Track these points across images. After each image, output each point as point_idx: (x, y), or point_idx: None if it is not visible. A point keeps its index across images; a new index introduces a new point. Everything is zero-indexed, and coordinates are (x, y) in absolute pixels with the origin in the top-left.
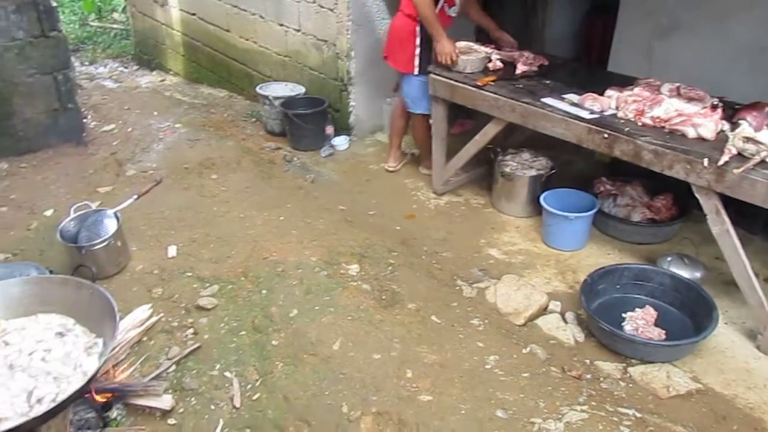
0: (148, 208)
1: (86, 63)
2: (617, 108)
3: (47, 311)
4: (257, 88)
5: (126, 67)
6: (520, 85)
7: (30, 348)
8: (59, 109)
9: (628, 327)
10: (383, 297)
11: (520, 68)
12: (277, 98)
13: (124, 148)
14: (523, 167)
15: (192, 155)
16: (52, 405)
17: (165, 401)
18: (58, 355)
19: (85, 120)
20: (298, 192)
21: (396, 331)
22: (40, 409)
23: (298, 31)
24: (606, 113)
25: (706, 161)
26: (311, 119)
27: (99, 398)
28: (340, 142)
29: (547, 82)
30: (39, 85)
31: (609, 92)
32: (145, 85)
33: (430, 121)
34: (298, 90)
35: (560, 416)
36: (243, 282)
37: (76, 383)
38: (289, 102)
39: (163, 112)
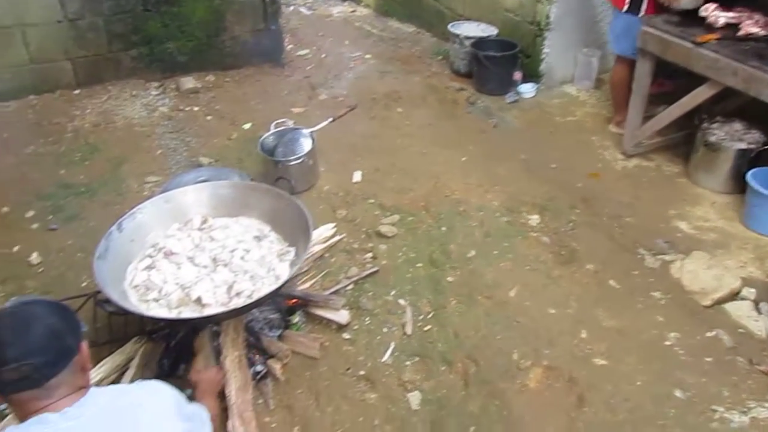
0: (337, 133)
1: None
2: None
3: (248, 215)
4: (449, 26)
5: None
6: (746, 47)
7: (232, 246)
8: (263, 30)
9: None
10: (562, 252)
11: (747, 29)
12: (467, 38)
13: (317, 72)
14: (731, 138)
15: (380, 87)
16: (249, 301)
17: (342, 316)
18: (255, 256)
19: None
20: (479, 135)
21: (573, 289)
22: (238, 302)
23: None
24: None
25: None
26: (500, 63)
27: (287, 302)
28: (527, 89)
29: None
30: (249, 4)
31: None
32: (336, 14)
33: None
34: (490, 31)
35: (746, 410)
36: (423, 216)
37: (270, 285)
38: (479, 43)
39: (354, 42)
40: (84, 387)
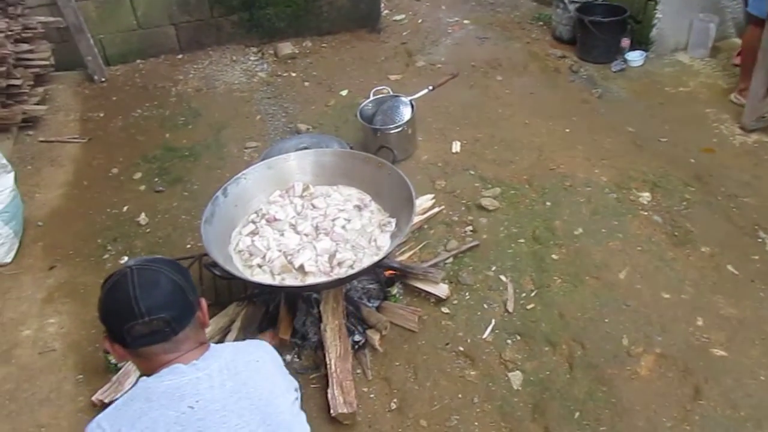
0: (435, 101)
1: None
2: None
3: (348, 184)
4: None
5: None
6: None
7: (333, 215)
8: None
9: None
10: (675, 233)
11: None
12: (572, 2)
13: (413, 39)
14: None
15: (479, 53)
16: (351, 271)
17: (442, 289)
18: (356, 226)
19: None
20: (583, 106)
21: (688, 273)
22: (340, 272)
23: None
24: None
25: None
26: (607, 29)
27: (386, 273)
28: (635, 57)
29: None
30: None
31: None
32: None
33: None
34: None
35: None
36: (527, 189)
37: (371, 256)
38: (585, 7)
39: (451, 7)
40: (204, 343)
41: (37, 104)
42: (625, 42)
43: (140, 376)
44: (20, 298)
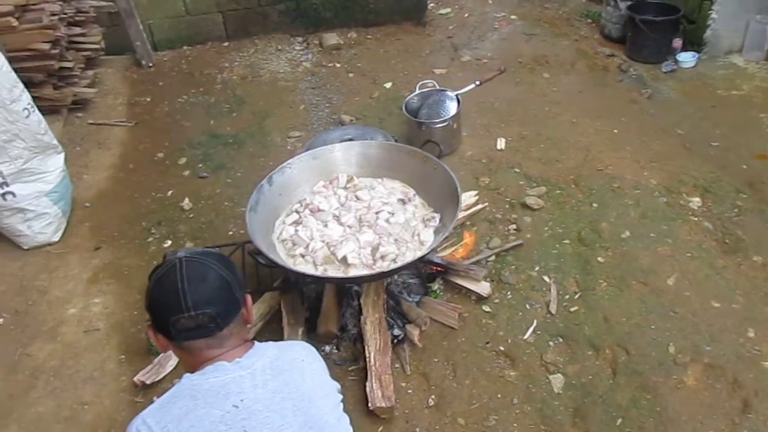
0: (480, 97)
1: None
2: None
3: (392, 177)
4: None
5: None
6: None
7: (377, 207)
8: None
9: None
10: (726, 241)
11: None
12: (624, 0)
13: (459, 33)
14: None
15: (526, 50)
16: (393, 265)
17: (483, 287)
18: (400, 219)
19: None
20: (632, 106)
21: (739, 283)
22: (382, 266)
23: None
24: None
25: None
26: (659, 28)
27: (427, 269)
28: (687, 58)
29: None
30: None
31: None
32: None
33: None
34: None
35: None
36: (573, 190)
37: (414, 250)
38: (636, 6)
39: (498, 2)
40: (248, 340)
41: (87, 87)
42: (677, 42)
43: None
44: (67, 276)
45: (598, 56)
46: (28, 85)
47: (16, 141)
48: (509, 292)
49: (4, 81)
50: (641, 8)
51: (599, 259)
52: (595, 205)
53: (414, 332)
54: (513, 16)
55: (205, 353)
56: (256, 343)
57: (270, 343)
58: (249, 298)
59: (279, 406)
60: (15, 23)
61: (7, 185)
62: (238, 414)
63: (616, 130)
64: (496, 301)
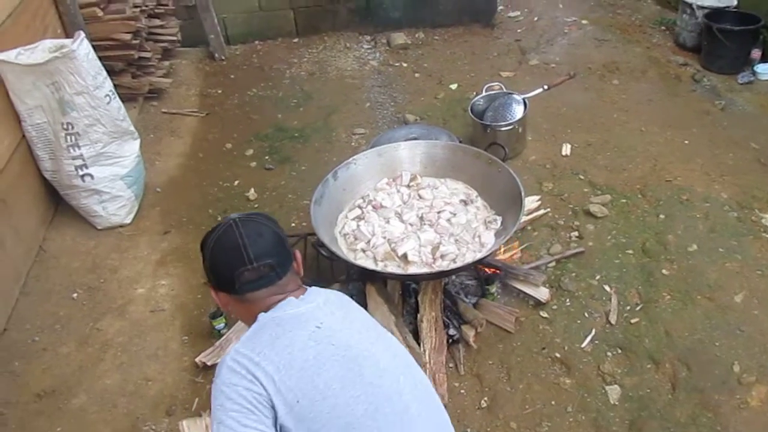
0: (547, 101)
1: None
2: None
3: (456, 178)
4: None
5: None
6: None
7: (439, 207)
8: None
9: None
10: None
11: None
12: (701, 8)
13: (528, 36)
14: None
15: (596, 56)
16: (453, 265)
17: (542, 293)
18: (461, 220)
19: None
20: (704, 117)
21: None
22: (442, 265)
23: None
24: None
25: None
26: (737, 38)
27: (486, 271)
28: (765, 70)
29: None
30: None
31: None
32: None
33: None
34: (727, 2)
35: None
36: (639, 200)
37: (474, 252)
38: (714, 14)
39: (569, 6)
40: (301, 286)
41: (163, 77)
42: (756, 53)
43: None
44: (136, 258)
45: (671, 65)
46: (109, 73)
47: (97, 126)
48: (568, 300)
49: (90, 68)
50: (719, 17)
51: (663, 271)
52: (661, 216)
53: (469, 333)
54: (584, 21)
55: (268, 300)
56: (309, 287)
57: (320, 288)
58: (298, 252)
59: (352, 325)
60: (100, 13)
61: (87, 167)
62: (322, 332)
63: (686, 141)
64: (554, 307)
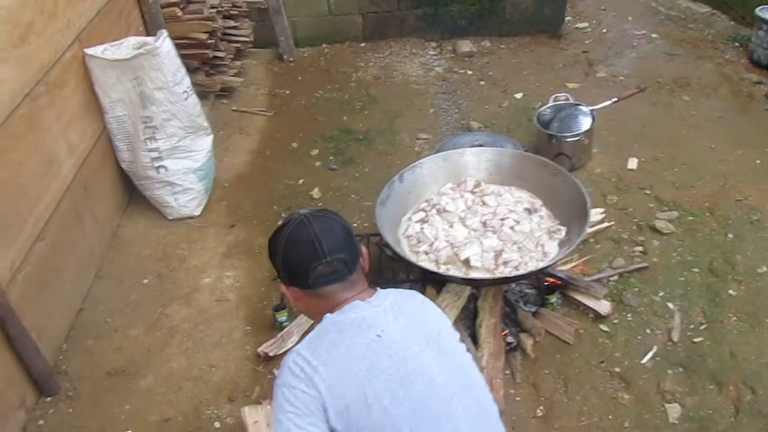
0: (614, 114)
1: None
2: None
3: (520, 186)
4: (757, 10)
5: None
6: None
7: (502, 214)
8: None
9: None
10: None
11: None
12: None
13: (595, 48)
14: None
15: (666, 70)
16: (515, 272)
17: (603, 306)
18: (525, 228)
19: None
20: None
21: None
22: (504, 272)
23: None
24: None
25: None
26: None
27: (547, 281)
28: None
29: None
30: None
31: None
32: None
33: None
34: None
35: None
36: (707, 218)
37: (537, 260)
38: None
39: (638, 19)
40: (369, 287)
41: (234, 76)
42: None
43: (304, 333)
44: (204, 248)
45: (744, 82)
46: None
47: (173, 120)
48: (629, 314)
49: (170, 65)
50: None
51: (730, 291)
52: (730, 235)
53: (527, 342)
54: (654, 35)
55: (339, 296)
56: (378, 288)
57: (389, 288)
58: (363, 247)
59: (414, 336)
60: (179, 13)
61: (162, 159)
62: (381, 342)
63: (758, 161)
64: (615, 321)
